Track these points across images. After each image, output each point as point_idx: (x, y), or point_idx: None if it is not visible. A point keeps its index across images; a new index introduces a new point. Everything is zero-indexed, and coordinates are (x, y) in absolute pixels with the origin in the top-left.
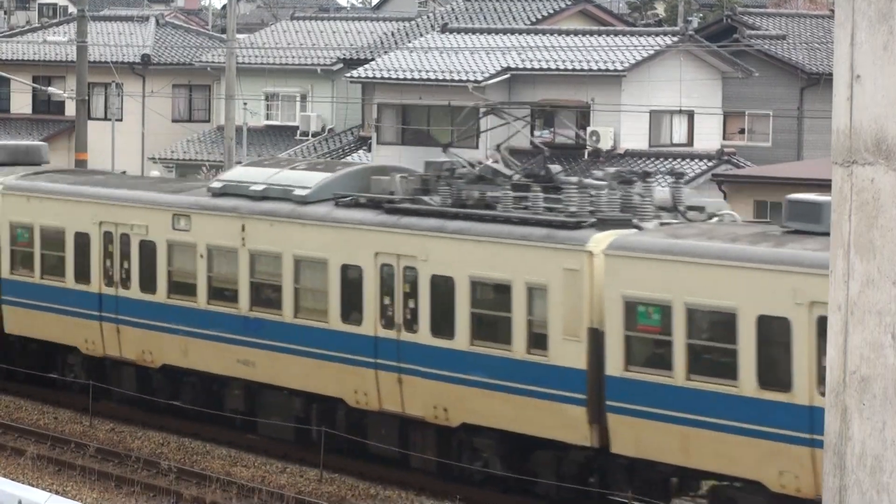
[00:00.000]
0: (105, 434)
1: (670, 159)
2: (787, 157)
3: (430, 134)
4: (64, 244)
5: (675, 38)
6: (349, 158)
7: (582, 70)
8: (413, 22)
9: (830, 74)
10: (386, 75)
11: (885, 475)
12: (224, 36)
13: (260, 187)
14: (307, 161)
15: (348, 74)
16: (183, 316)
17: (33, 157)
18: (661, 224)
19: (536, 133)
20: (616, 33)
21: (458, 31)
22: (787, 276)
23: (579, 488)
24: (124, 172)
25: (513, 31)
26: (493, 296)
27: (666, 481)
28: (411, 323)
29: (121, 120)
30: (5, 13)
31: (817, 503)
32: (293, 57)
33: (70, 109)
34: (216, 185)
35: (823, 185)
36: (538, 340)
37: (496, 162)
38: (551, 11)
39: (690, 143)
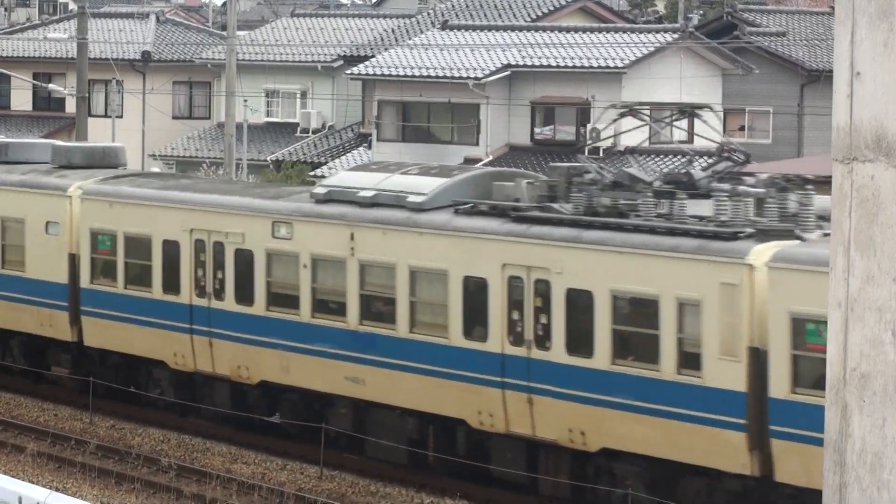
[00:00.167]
0: (105, 431)
1: (670, 156)
2: (787, 153)
3: (431, 131)
4: (150, 252)
5: (676, 35)
6: (349, 155)
7: (582, 67)
8: (413, 19)
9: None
10: (386, 72)
11: (886, 472)
12: (224, 33)
13: (369, 193)
14: (419, 166)
15: (349, 71)
16: (284, 329)
17: (110, 160)
18: (825, 234)
19: (536, 130)
20: (616, 30)
21: (459, 27)
22: None
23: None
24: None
25: (513, 28)
26: (637, 311)
27: None
28: (543, 340)
29: (121, 117)
30: (6, 10)
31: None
32: (293, 54)
33: (70, 106)
34: (320, 190)
35: (823, 182)
36: (690, 360)
37: (634, 166)
38: (552, 8)
39: (691, 140)
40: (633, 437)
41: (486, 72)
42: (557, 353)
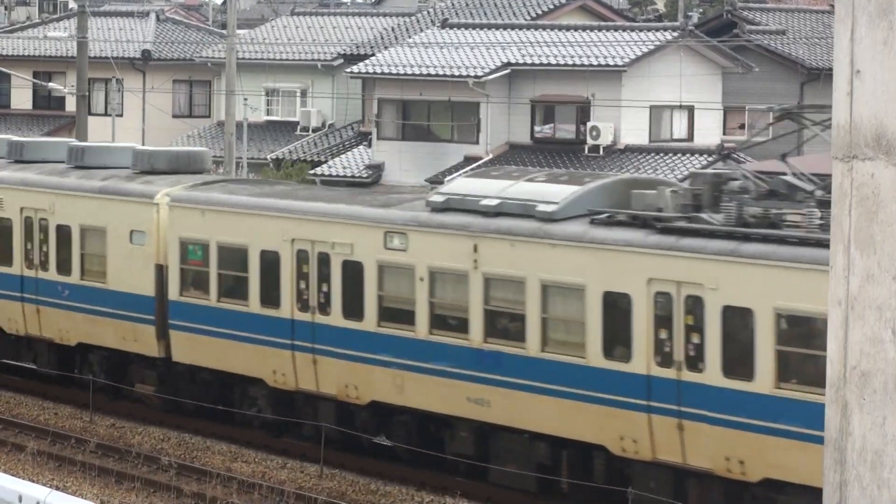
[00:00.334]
0: (105, 430)
1: (670, 154)
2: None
3: (431, 129)
4: (247, 263)
5: (676, 34)
6: (349, 154)
7: (582, 65)
8: (413, 17)
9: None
10: (386, 71)
11: (886, 470)
12: (224, 31)
13: (493, 202)
14: (545, 172)
15: (348, 70)
16: (398, 347)
17: (196, 165)
18: None
19: (536, 129)
20: (616, 29)
21: (459, 26)
22: None
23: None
24: None
25: (513, 27)
26: (806, 332)
27: None
28: (695, 360)
29: (121, 115)
30: (6, 9)
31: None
32: (293, 52)
33: (70, 105)
34: (437, 198)
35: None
36: None
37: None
38: (551, 7)
39: (691, 138)
40: (800, 467)
41: (486, 70)
42: (712, 374)
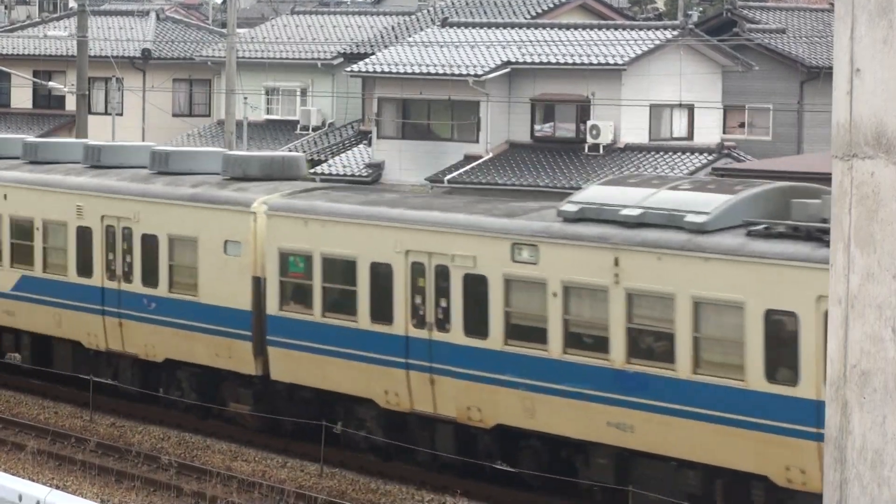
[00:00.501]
0: (105, 429)
1: (670, 153)
2: (787, 150)
3: (431, 128)
4: (355, 276)
5: (676, 33)
6: (349, 153)
7: (582, 64)
8: (413, 16)
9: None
10: (386, 69)
11: (886, 469)
12: (224, 30)
13: (635, 211)
14: (689, 179)
15: (348, 69)
16: (527, 367)
17: (290, 171)
18: None
19: (536, 127)
20: (616, 27)
21: (459, 25)
22: None
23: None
24: None
25: (513, 26)
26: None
27: None
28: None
29: (121, 114)
30: (6, 8)
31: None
32: (293, 51)
33: (70, 104)
34: (569, 208)
35: (823, 179)
36: None
37: None
38: (551, 6)
39: (690, 137)
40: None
41: (486, 69)
42: None
